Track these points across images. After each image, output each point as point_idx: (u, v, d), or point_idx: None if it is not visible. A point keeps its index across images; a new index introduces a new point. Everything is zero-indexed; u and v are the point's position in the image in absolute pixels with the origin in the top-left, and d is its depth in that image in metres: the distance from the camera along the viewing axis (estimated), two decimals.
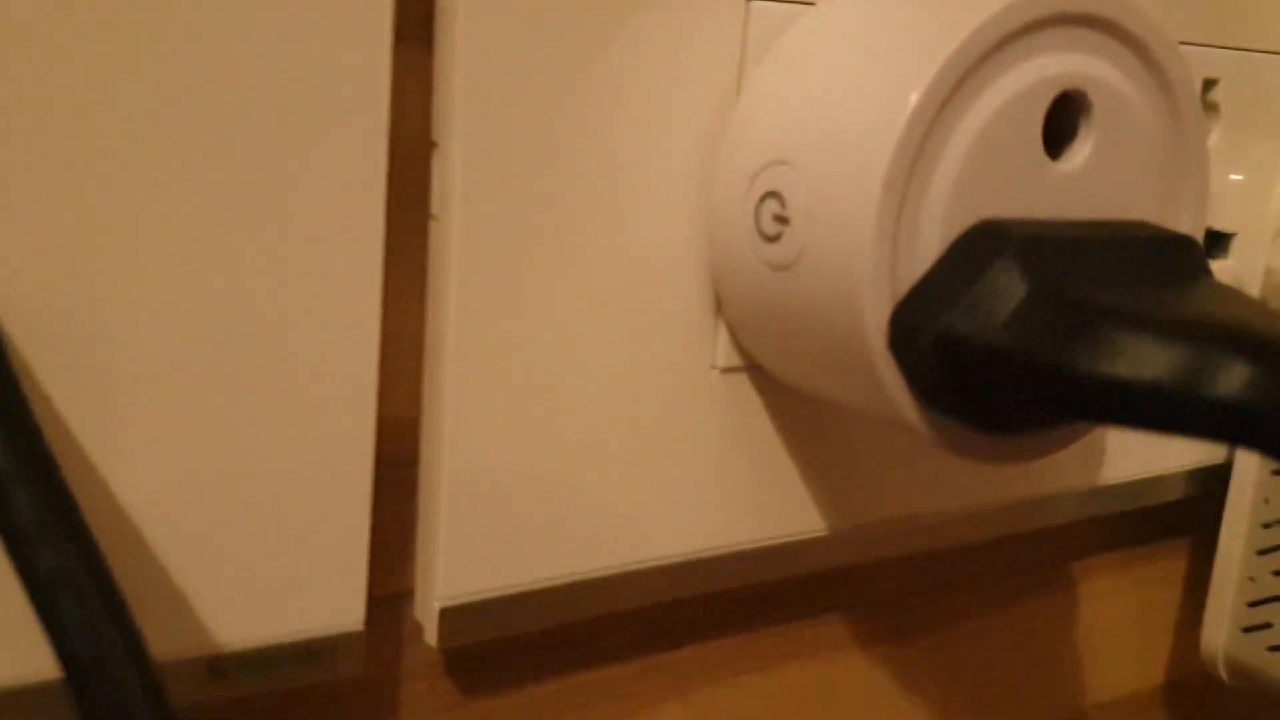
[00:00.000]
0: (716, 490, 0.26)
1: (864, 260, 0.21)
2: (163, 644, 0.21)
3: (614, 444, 0.25)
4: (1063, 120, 0.22)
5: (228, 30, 0.19)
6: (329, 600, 0.23)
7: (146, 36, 0.19)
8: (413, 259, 0.23)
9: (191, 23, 0.19)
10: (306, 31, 0.20)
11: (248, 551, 0.22)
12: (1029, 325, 0.20)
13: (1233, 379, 0.18)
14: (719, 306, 0.25)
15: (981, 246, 0.21)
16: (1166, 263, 0.22)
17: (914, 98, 0.21)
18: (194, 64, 0.19)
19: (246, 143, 0.20)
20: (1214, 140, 0.33)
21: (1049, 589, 0.37)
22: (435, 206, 0.23)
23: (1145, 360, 0.18)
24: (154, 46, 0.19)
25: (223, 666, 0.22)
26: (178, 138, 0.19)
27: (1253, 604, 0.36)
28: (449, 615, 0.24)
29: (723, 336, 0.26)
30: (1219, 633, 0.37)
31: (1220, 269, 0.35)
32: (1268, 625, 0.36)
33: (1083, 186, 0.23)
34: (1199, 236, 0.24)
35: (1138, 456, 0.35)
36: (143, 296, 0.20)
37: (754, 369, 0.26)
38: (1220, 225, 0.35)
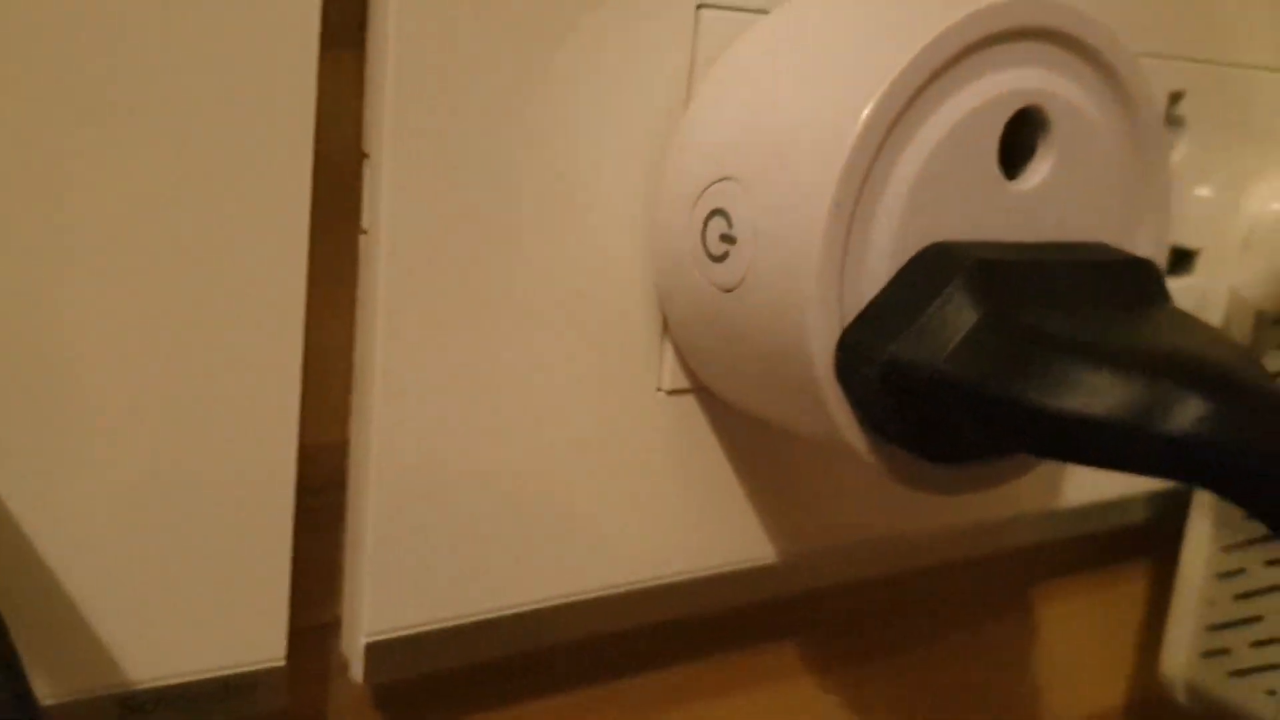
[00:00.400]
0: (662, 517, 0.26)
1: (810, 282, 0.20)
2: (70, 681, 0.20)
3: (553, 469, 0.24)
4: (1020, 138, 0.22)
5: (146, 32, 0.18)
6: (249, 633, 0.22)
7: (57, 38, 0.18)
8: (343, 276, 0.22)
9: (107, 23, 0.18)
10: (228, 36, 0.19)
11: (160, 582, 0.21)
12: (978, 355, 0.19)
13: (1186, 414, 0.17)
14: (666, 326, 0.24)
15: (932, 271, 0.20)
16: (1125, 287, 0.21)
17: (864, 113, 0.20)
18: (107, 67, 0.18)
19: (162, 150, 0.19)
20: (1180, 154, 0.32)
21: (1009, 612, 0.36)
22: (366, 220, 0.22)
23: (1096, 394, 0.18)
24: (62, 47, 0.18)
25: (136, 704, 0.21)
26: (86, 139, 0.18)
27: (1213, 628, 0.36)
28: (376, 649, 0.23)
29: (669, 357, 0.25)
30: (1179, 657, 0.37)
31: (1186, 286, 0.34)
32: (1227, 650, 0.35)
33: (1040, 207, 0.22)
34: (1160, 258, 0.23)
35: (1099, 480, 0.34)
36: (51, 312, 0.19)
37: (702, 391, 0.25)
38: (1186, 242, 0.34)
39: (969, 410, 0.19)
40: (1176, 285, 0.34)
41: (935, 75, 0.20)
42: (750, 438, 0.26)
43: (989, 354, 0.19)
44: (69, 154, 0.18)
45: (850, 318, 0.20)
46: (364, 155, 0.21)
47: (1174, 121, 0.32)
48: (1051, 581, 0.37)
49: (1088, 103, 0.22)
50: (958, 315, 0.19)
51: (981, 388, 0.19)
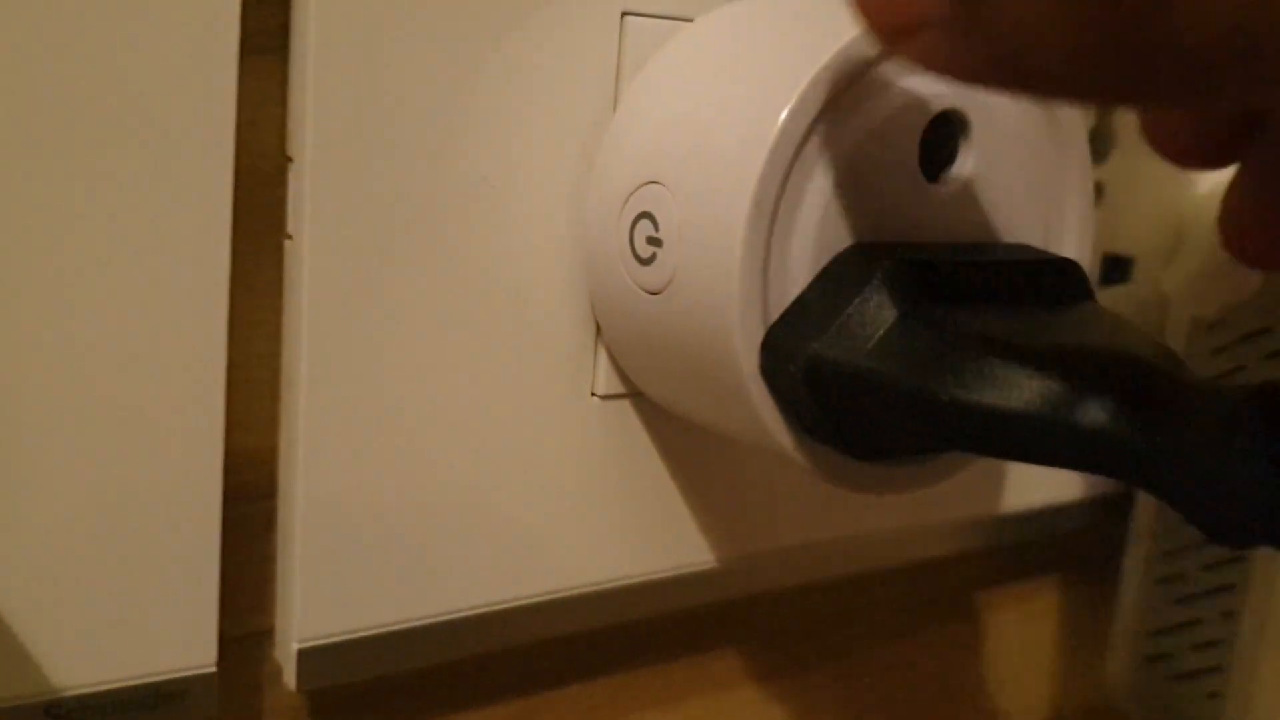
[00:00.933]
0: (597, 522, 0.26)
1: (734, 282, 0.20)
2: None
3: (485, 475, 0.24)
4: (941, 141, 0.22)
5: (63, 35, 0.18)
6: (178, 640, 0.22)
7: None
8: (268, 283, 0.22)
9: (26, 24, 0.18)
10: (148, 41, 0.19)
11: (86, 589, 0.20)
12: (897, 351, 0.19)
13: (1100, 408, 0.17)
14: (599, 331, 0.24)
15: (853, 270, 0.20)
16: (1047, 286, 0.22)
17: (782, 116, 0.20)
18: (24, 69, 0.18)
19: (80, 159, 0.19)
20: (1115, 164, 0.33)
21: (951, 619, 0.37)
22: (290, 225, 0.22)
23: (1012, 388, 0.18)
24: None
25: (62, 711, 0.21)
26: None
27: (1155, 633, 0.36)
28: (308, 656, 0.23)
29: (603, 362, 0.25)
30: (1122, 662, 0.37)
31: (1121, 294, 0.34)
32: (1169, 655, 0.36)
33: (962, 209, 0.22)
34: (1084, 259, 0.24)
35: (1039, 486, 0.34)
36: None
37: (636, 396, 0.25)
38: (1122, 249, 0.35)
39: (890, 406, 0.19)
40: (1113, 292, 0.35)
41: (854, 78, 0.20)
42: (685, 442, 0.26)
43: (908, 350, 0.19)
44: None
45: (775, 318, 0.20)
46: (288, 160, 0.21)
47: (1107, 132, 0.33)
48: (994, 588, 0.37)
49: (1009, 106, 0.22)
50: (878, 313, 0.20)
51: (901, 383, 0.19)
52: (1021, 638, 0.39)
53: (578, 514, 0.25)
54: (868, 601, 0.34)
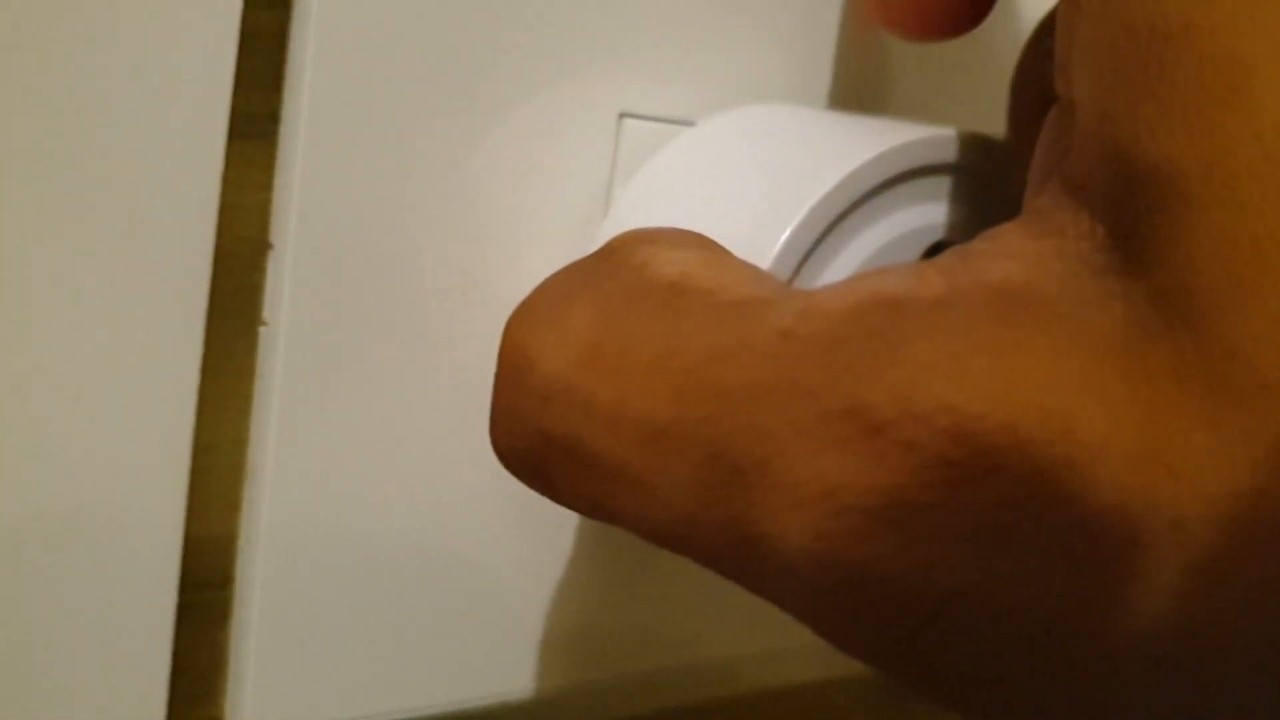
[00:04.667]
0: (563, 627, 0.25)
1: None
2: None
3: (454, 575, 0.23)
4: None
5: (47, 103, 0.18)
6: None
7: None
8: (239, 368, 0.21)
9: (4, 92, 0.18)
10: (134, 118, 0.19)
11: (27, 670, 0.20)
12: None
13: None
14: None
15: None
16: None
17: (784, 236, 0.20)
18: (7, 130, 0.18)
19: (56, 230, 0.19)
20: None
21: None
22: (267, 312, 0.21)
23: None
24: None
25: None
26: None
27: None
28: None
29: None
30: None
31: None
32: None
33: None
34: None
35: None
36: None
37: None
38: None
39: None
40: None
41: (855, 205, 0.20)
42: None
43: None
44: None
45: None
46: (269, 246, 0.21)
47: None
48: None
49: None
50: None
51: None
52: None
53: (539, 619, 0.25)
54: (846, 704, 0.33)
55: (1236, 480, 0.11)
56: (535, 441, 0.16)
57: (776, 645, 0.29)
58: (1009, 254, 0.13)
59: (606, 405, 0.15)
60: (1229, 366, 0.11)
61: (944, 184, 0.21)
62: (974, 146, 0.21)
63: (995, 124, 0.22)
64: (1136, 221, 0.12)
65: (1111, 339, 0.12)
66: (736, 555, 0.14)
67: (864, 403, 0.12)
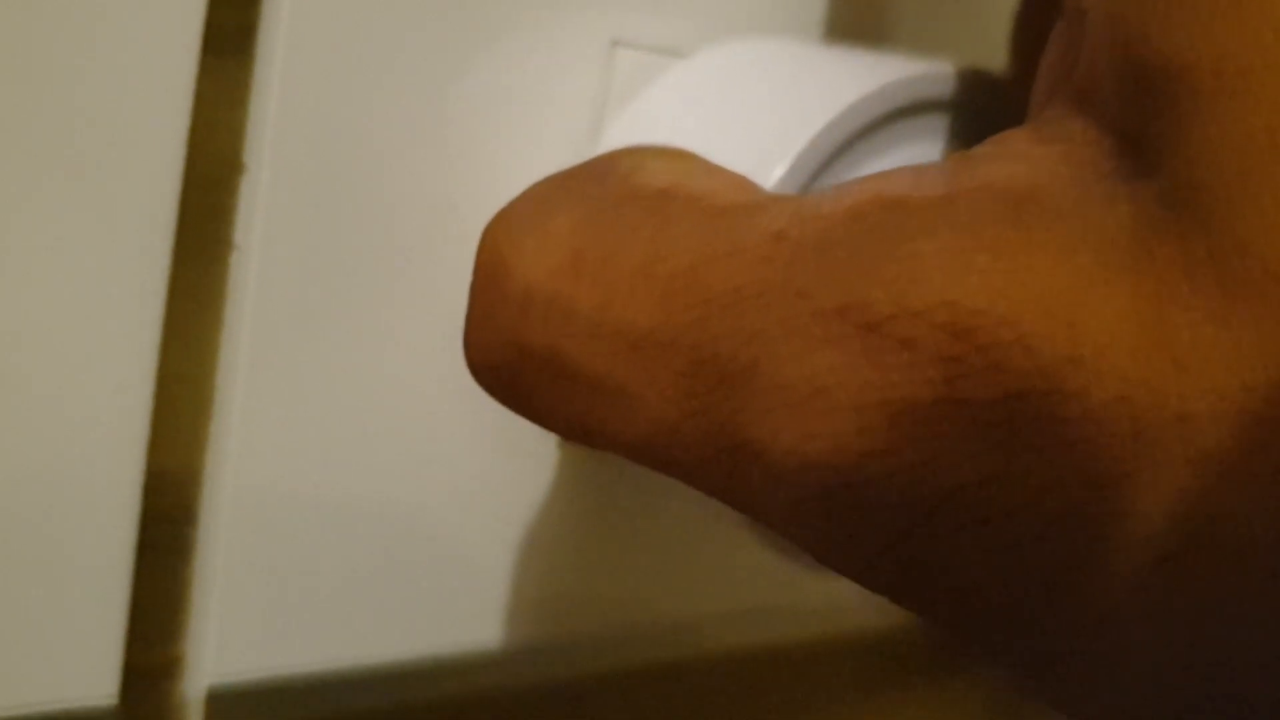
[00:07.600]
0: (551, 575, 0.24)
1: None
2: None
3: (432, 514, 0.23)
4: None
5: (13, 19, 0.17)
6: (77, 668, 0.20)
7: None
8: (207, 295, 0.20)
9: None
10: (102, 34, 0.18)
11: None
12: None
13: None
14: None
15: None
16: None
17: (779, 172, 0.19)
18: None
19: (19, 142, 0.18)
20: None
21: (916, 688, 0.36)
22: (239, 236, 0.20)
23: None
24: None
25: None
26: None
27: None
28: (219, 695, 0.21)
29: None
30: None
31: None
32: None
33: None
34: None
35: None
36: None
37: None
38: None
39: None
40: None
41: (853, 138, 0.19)
42: (648, 495, 0.25)
43: None
44: None
45: None
46: (243, 168, 0.20)
47: None
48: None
49: None
50: None
51: None
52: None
53: (527, 566, 0.24)
54: (830, 669, 0.33)
55: (1247, 373, 0.10)
56: (512, 354, 0.15)
57: (745, 604, 0.28)
58: (1014, 156, 0.13)
59: (588, 313, 0.14)
60: (1240, 260, 0.11)
61: (944, 120, 0.20)
62: (975, 82, 0.20)
63: (995, 57, 0.21)
64: (1146, 123, 0.12)
65: (1118, 237, 0.11)
66: (721, 466, 0.13)
67: (859, 300, 0.12)
